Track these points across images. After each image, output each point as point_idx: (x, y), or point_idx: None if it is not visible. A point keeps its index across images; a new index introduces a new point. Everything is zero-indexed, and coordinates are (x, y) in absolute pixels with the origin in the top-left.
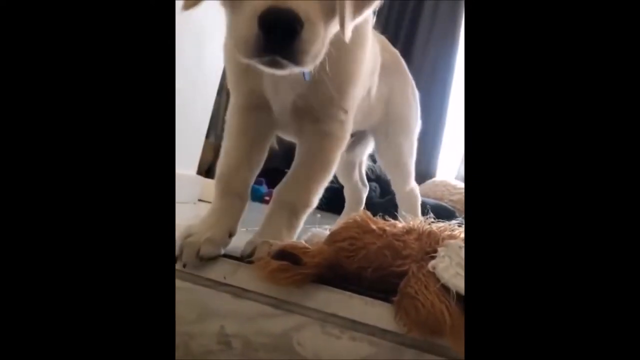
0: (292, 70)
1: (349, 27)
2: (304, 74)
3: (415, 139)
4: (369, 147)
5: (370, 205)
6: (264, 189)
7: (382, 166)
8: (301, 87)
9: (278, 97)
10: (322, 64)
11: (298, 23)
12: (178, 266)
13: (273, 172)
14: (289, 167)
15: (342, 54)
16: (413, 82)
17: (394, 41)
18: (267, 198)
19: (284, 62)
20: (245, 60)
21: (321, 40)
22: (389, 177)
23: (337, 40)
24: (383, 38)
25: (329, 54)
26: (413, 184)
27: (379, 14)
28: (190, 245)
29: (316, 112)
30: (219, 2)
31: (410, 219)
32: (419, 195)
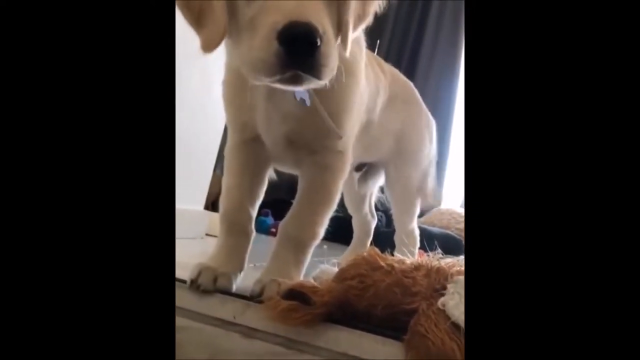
0: (310, 85)
1: (349, 42)
2: (304, 99)
3: (426, 173)
4: (380, 179)
5: (377, 235)
6: (270, 220)
7: (390, 198)
8: (293, 120)
9: (270, 131)
10: (317, 94)
11: (318, 36)
12: (191, 290)
13: (279, 203)
14: (294, 198)
15: (334, 89)
16: (427, 112)
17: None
18: (273, 230)
19: (305, 76)
20: (266, 81)
21: (336, 53)
22: (394, 210)
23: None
24: (393, 69)
25: (322, 87)
26: (415, 224)
27: (379, 47)
28: (208, 271)
29: (312, 144)
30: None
31: (423, 254)
32: (418, 237)
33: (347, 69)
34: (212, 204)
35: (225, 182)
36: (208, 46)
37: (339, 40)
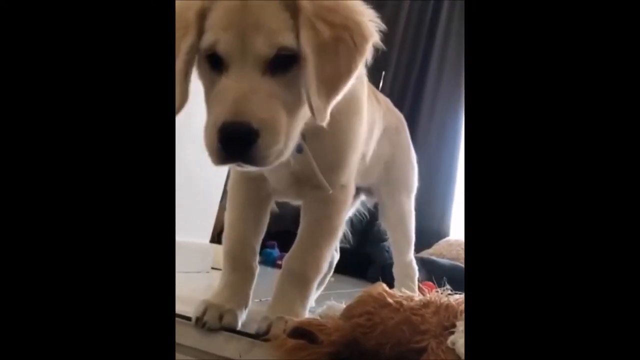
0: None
1: (326, 110)
2: (300, 146)
3: (413, 199)
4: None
5: (385, 266)
6: (276, 252)
7: (385, 227)
8: (296, 162)
9: (273, 172)
10: (317, 134)
11: (253, 134)
12: (197, 327)
13: (285, 235)
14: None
15: (336, 123)
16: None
17: (400, 103)
18: (279, 262)
19: (247, 165)
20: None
21: (283, 139)
22: (391, 240)
23: (333, 113)
24: (386, 99)
25: (327, 126)
26: (412, 255)
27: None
28: (214, 308)
29: (316, 180)
30: None
31: (431, 287)
32: (416, 269)
33: (351, 106)
34: (217, 235)
35: (228, 217)
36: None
37: (299, 116)
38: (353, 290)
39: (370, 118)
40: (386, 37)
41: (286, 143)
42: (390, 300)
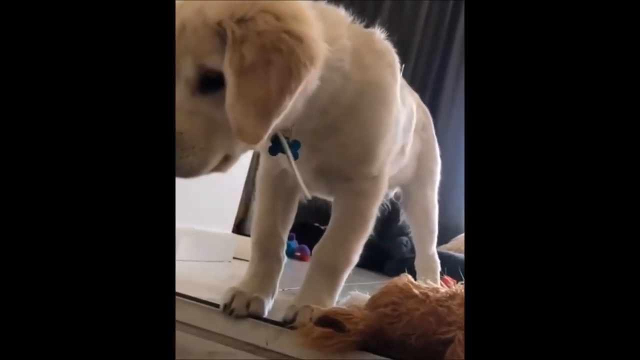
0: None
1: (260, 130)
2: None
3: (437, 193)
4: None
5: (402, 260)
6: (294, 244)
7: (409, 220)
8: (322, 154)
9: (300, 166)
10: (337, 129)
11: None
12: (224, 314)
13: (303, 227)
14: (318, 222)
15: (360, 114)
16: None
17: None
18: (297, 254)
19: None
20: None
21: (197, 153)
22: (414, 233)
23: (355, 105)
24: (415, 94)
25: (348, 118)
26: (435, 248)
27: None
28: (242, 296)
29: (346, 172)
30: None
31: (451, 281)
32: (439, 262)
33: (377, 97)
34: (237, 227)
35: (257, 208)
36: None
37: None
38: (372, 283)
39: (408, 109)
40: (407, 30)
41: (205, 157)
42: (416, 291)
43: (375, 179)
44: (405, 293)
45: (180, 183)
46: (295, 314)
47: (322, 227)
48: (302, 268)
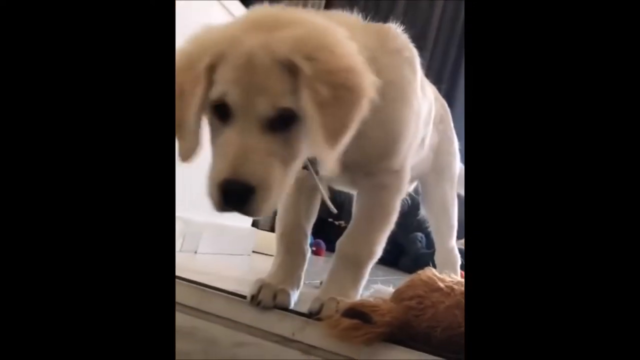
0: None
1: (334, 158)
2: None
3: (456, 187)
4: None
5: (417, 256)
6: (310, 239)
7: (427, 214)
8: (344, 155)
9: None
10: (366, 125)
11: (250, 192)
12: (252, 305)
13: (317, 223)
14: (332, 217)
15: (385, 114)
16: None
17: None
18: (313, 248)
19: (243, 214)
20: None
21: (276, 194)
22: (433, 227)
23: (379, 104)
24: (433, 87)
25: (370, 120)
26: (454, 242)
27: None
28: (269, 287)
29: (368, 167)
30: None
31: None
32: (459, 256)
33: (398, 95)
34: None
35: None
36: (182, 157)
37: (294, 168)
38: (389, 278)
39: (428, 101)
40: (421, 28)
41: (278, 196)
42: (440, 284)
43: (397, 173)
44: (430, 286)
45: (200, 178)
46: (321, 306)
47: (337, 223)
48: (318, 262)
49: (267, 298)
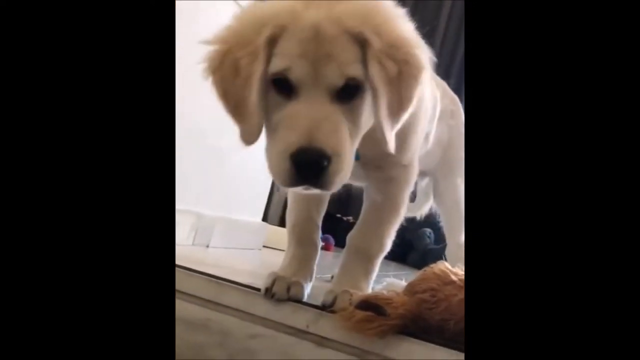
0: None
1: (392, 138)
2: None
3: None
4: None
5: (425, 252)
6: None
7: (439, 209)
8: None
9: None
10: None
11: (326, 160)
12: (266, 298)
13: (325, 217)
14: (341, 212)
15: None
16: None
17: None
18: (322, 244)
19: (315, 189)
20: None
21: (348, 165)
22: (444, 222)
23: None
24: (443, 83)
25: None
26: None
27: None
28: (282, 280)
29: (377, 160)
30: None
31: None
32: None
33: None
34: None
35: (292, 195)
36: (246, 141)
37: (359, 138)
38: (399, 273)
39: (432, 97)
40: (431, 19)
41: (349, 168)
42: (453, 277)
43: (406, 167)
44: (443, 279)
45: (214, 174)
46: (335, 298)
47: (344, 218)
48: (327, 257)
49: (281, 290)
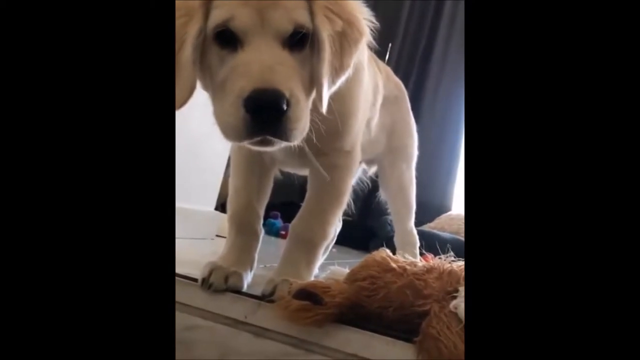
0: (281, 146)
1: (326, 98)
2: None
3: (414, 168)
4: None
5: (387, 239)
6: (279, 223)
7: (385, 196)
8: None
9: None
10: (314, 104)
11: (285, 101)
12: (203, 289)
13: (289, 206)
14: (303, 201)
15: (340, 92)
16: (411, 112)
17: (406, 76)
18: (282, 232)
19: (275, 140)
20: (237, 143)
21: (306, 114)
22: (392, 208)
23: None
24: (387, 68)
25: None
26: (412, 223)
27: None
28: (220, 270)
29: (320, 147)
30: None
31: (431, 257)
32: (417, 237)
33: (352, 77)
34: (221, 205)
35: (232, 183)
36: (179, 99)
37: (313, 95)
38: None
39: (373, 83)
40: (393, 8)
41: (307, 122)
42: (393, 265)
43: (348, 153)
44: (383, 267)
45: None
46: (274, 288)
47: None
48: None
49: (219, 281)
